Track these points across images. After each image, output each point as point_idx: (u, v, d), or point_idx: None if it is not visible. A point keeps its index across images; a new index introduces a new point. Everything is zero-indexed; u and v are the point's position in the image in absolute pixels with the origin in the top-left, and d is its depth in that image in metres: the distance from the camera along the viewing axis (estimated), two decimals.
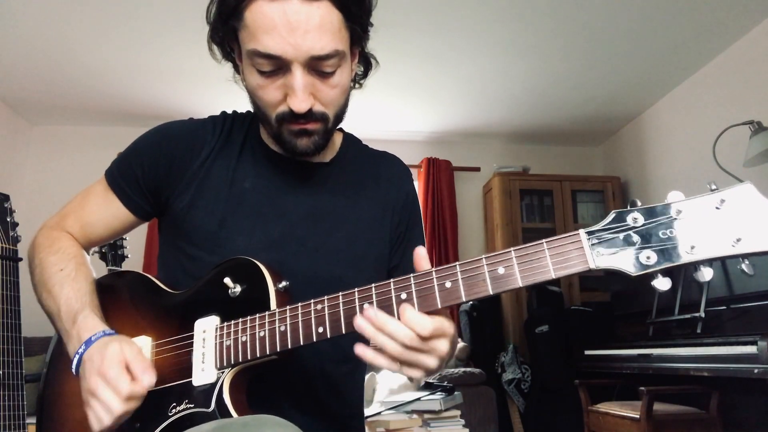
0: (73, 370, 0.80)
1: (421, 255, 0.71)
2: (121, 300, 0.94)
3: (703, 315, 2.41)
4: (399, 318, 0.67)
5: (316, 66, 0.79)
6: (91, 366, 0.76)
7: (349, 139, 1.05)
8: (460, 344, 3.52)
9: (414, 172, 4.23)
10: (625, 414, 2.42)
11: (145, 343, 0.85)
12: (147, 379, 0.76)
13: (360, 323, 0.67)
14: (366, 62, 0.96)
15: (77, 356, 0.79)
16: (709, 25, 2.99)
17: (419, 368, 0.69)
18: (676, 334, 2.58)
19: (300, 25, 0.74)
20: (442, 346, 0.68)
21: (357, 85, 0.97)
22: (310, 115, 0.82)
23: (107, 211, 0.96)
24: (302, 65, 0.78)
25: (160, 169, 0.92)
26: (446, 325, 0.69)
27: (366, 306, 0.69)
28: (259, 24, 0.76)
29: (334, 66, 0.80)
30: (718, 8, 2.83)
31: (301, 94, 0.79)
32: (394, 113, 4.02)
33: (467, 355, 3.47)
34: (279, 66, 0.78)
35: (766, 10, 2.88)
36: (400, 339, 0.66)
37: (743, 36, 3.10)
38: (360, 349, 0.68)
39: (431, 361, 0.68)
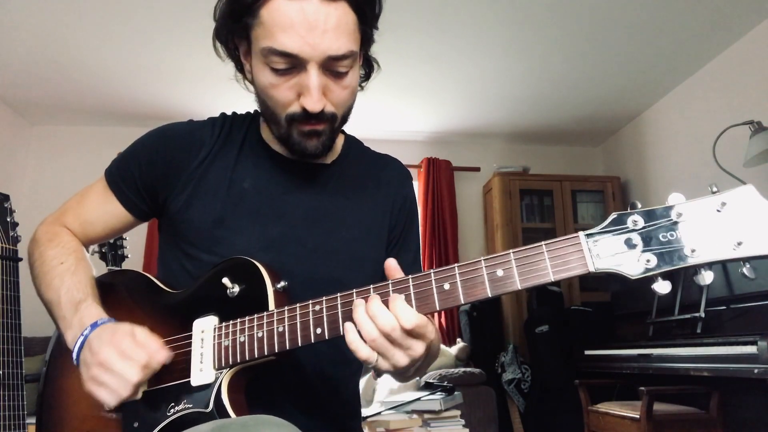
0: (74, 355, 0.80)
1: (392, 266, 0.72)
2: (119, 299, 0.94)
3: (703, 315, 2.41)
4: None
5: (331, 66, 0.79)
6: (100, 342, 0.77)
7: (351, 141, 1.05)
8: (460, 344, 3.52)
9: (414, 172, 4.23)
10: (625, 414, 2.42)
11: None
12: (163, 354, 0.78)
13: (356, 302, 0.68)
14: (368, 65, 0.96)
15: (81, 338, 0.80)
16: (709, 25, 2.99)
17: (389, 361, 0.68)
18: (676, 334, 2.58)
19: (318, 25, 0.75)
20: (419, 347, 0.68)
21: (359, 87, 0.97)
22: (321, 116, 0.82)
23: (105, 209, 0.96)
24: (318, 65, 0.78)
25: (157, 169, 0.92)
26: (430, 328, 0.69)
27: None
28: (276, 21, 0.76)
29: (348, 67, 0.81)
30: (718, 8, 2.83)
31: (316, 93, 0.79)
32: (394, 113, 4.02)
33: (467, 355, 3.47)
34: (294, 65, 0.78)
35: (766, 10, 2.88)
36: (381, 324, 0.65)
37: (743, 36, 3.09)
38: (348, 324, 0.68)
39: (402, 359, 0.67)
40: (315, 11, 0.74)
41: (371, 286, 0.71)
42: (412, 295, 0.68)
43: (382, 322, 0.65)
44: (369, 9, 0.81)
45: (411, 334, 0.67)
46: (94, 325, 0.80)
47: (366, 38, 0.85)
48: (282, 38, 0.76)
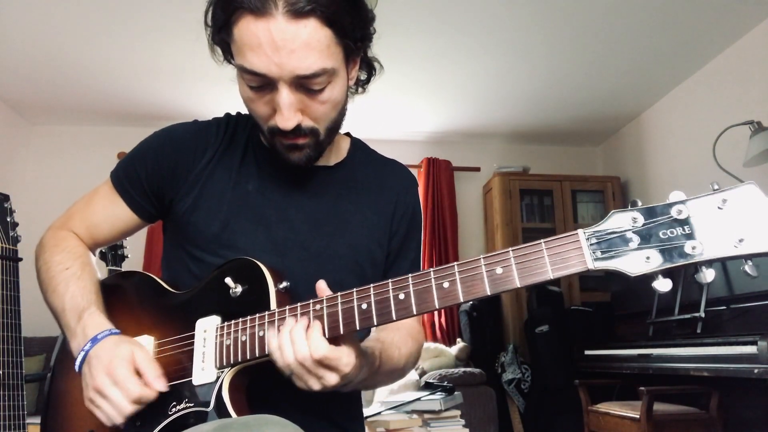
0: (76, 367, 0.81)
1: (320, 288, 0.75)
2: (125, 299, 0.94)
3: (703, 315, 2.41)
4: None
5: (304, 84, 0.78)
6: (98, 364, 0.77)
7: (357, 145, 1.05)
8: (460, 344, 3.52)
9: (414, 172, 4.23)
10: (625, 414, 2.42)
11: (147, 342, 0.86)
12: (159, 385, 0.78)
13: (287, 320, 0.73)
14: (369, 68, 0.95)
15: (82, 353, 0.80)
16: (709, 25, 2.99)
17: (303, 383, 0.72)
18: (676, 334, 2.58)
19: (285, 44, 0.73)
20: (331, 378, 0.71)
21: (360, 90, 0.97)
22: (298, 131, 0.82)
23: (112, 212, 0.96)
24: (288, 84, 0.77)
25: (163, 171, 0.92)
26: (343, 362, 0.71)
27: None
28: (245, 41, 0.75)
29: (323, 83, 0.79)
30: (718, 8, 2.83)
31: (286, 112, 0.79)
32: (394, 113, 4.03)
33: (467, 355, 3.47)
34: (266, 82, 0.78)
35: (766, 10, 2.88)
36: (296, 350, 0.70)
37: (743, 36, 3.10)
38: (270, 333, 0.73)
39: (315, 384, 0.72)
40: (281, 30, 0.73)
41: (371, 285, 0.71)
42: (412, 293, 0.68)
43: (297, 348, 0.70)
44: (346, 20, 0.78)
45: (321, 364, 0.70)
46: (95, 340, 0.80)
47: (350, 49, 0.82)
48: (251, 58, 0.75)
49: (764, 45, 2.97)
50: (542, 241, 0.63)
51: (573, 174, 4.33)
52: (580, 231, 0.61)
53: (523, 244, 0.64)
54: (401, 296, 0.68)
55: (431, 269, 0.68)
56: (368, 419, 2.40)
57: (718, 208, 0.56)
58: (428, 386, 2.88)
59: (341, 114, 0.88)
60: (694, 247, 0.57)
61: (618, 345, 2.94)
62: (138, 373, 0.78)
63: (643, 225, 0.59)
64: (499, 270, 0.64)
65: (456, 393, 2.76)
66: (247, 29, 0.74)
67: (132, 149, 0.98)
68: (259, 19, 0.73)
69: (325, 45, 0.76)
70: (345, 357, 0.71)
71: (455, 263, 0.67)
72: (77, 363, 0.81)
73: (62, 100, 3.74)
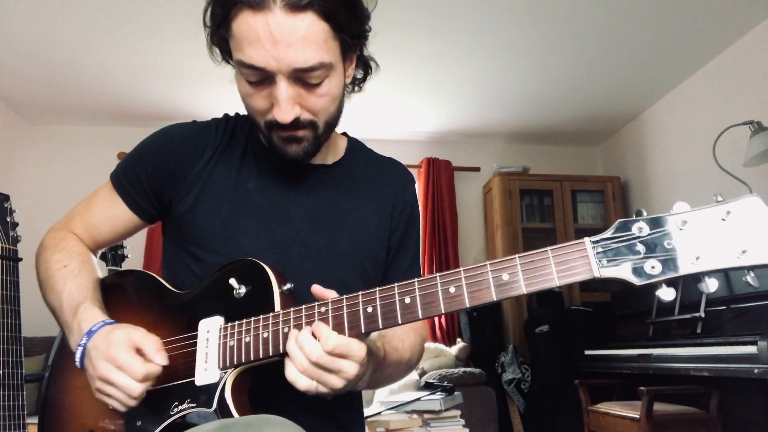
0: (77, 363, 0.81)
1: (317, 292, 0.75)
2: (127, 299, 0.95)
3: (703, 315, 2.42)
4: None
5: (302, 77, 0.79)
6: (98, 354, 0.77)
7: (354, 144, 1.05)
8: (460, 344, 3.52)
9: (414, 172, 4.23)
10: (625, 414, 2.42)
11: None
12: (160, 358, 0.78)
13: (290, 333, 0.72)
14: (365, 66, 0.95)
15: (80, 348, 0.80)
16: (709, 25, 2.99)
17: (327, 386, 0.71)
18: (676, 334, 2.58)
19: (283, 38, 0.74)
20: (349, 367, 0.71)
21: (357, 89, 0.97)
22: (297, 123, 0.82)
23: (112, 213, 0.97)
24: (286, 77, 0.78)
25: (162, 171, 0.93)
26: (354, 347, 0.71)
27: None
28: (244, 36, 0.76)
29: (321, 77, 0.80)
30: (718, 8, 2.84)
31: (284, 105, 0.79)
32: (394, 113, 4.02)
33: (467, 355, 3.47)
34: (265, 77, 0.79)
35: (766, 10, 2.88)
36: (308, 352, 0.69)
37: (743, 36, 3.10)
38: (285, 359, 0.72)
39: (338, 382, 0.71)
40: (279, 24, 0.74)
41: (377, 288, 0.71)
42: (418, 297, 0.68)
43: (308, 350, 0.69)
44: (344, 16, 0.79)
45: (335, 355, 0.70)
46: (90, 333, 0.81)
47: (347, 45, 0.83)
48: (249, 52, 0.76)
49: (764, 45, 2.97)
50: (548, 248, 0.63)
51: (573, 174, 4.33)
52: (586, 239, 0.62)
53: (528, 251, 0.64)
54: (407, 300, 0.69)
55: (437, 274, 0.68)
56: (368, 419, 2.40)
57: (722, 219, 0.57)
58: (428, 386, 2.88)
59: (339, 109, 0.89)
60: (697, 257, 0.57)
61: (618, 345, 2.95)
62: (139, 352, 0.78)
63: (648, 234, 0.60)
64: (505, 276, 0.64)
65: (456, 393, 2.76)
66: (246, 23, 0.75)
67: (131, 150, 0.98)
68: (257, 13, 0.74)
69: (323, 39, 0.77)
70: (355, 343, 0.71)
71: (461, 269, 0.67)
72: (77, 359, 0.81)
73: (62, 100, 3.73)
